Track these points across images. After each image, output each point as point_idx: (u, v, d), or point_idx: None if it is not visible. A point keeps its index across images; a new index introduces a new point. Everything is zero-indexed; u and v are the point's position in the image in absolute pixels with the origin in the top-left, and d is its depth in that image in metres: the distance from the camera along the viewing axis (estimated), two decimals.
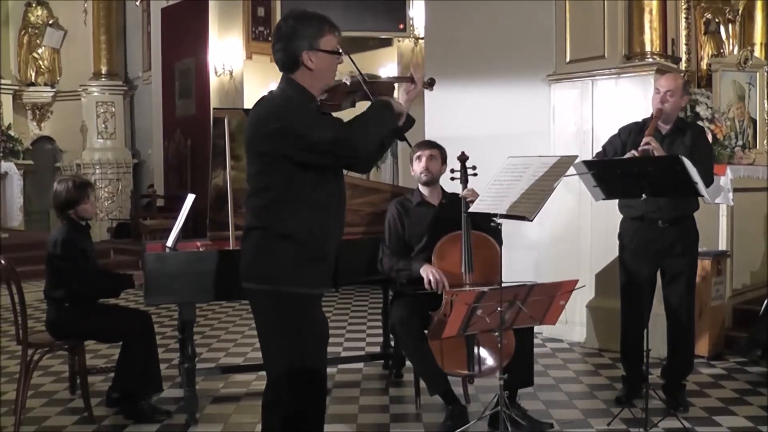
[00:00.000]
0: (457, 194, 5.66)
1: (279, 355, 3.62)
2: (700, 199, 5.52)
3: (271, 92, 3.69)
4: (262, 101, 3.65)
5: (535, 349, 5.65)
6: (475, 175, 5.50)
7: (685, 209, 5.66)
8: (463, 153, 5.59)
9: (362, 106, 3.82)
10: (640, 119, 5.84)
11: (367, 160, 3.64)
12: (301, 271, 3.55)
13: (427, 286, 5.32)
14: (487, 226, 5.45)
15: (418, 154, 5.66)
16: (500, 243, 5.22)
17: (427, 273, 5.33)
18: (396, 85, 4.07)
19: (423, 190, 5.74)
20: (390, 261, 5.63)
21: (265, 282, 3.58)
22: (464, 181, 5.53)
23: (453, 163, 5.62)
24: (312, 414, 3.66)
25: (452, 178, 5.58)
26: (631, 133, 5.75)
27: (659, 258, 5.59)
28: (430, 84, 3.99)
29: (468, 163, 5.57)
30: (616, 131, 5.89)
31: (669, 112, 5.61)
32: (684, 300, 5.69)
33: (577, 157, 4.89)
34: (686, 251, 5.69)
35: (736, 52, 8.88)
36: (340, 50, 3.64)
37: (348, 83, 3.75)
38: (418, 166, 5.67)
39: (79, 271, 5.55)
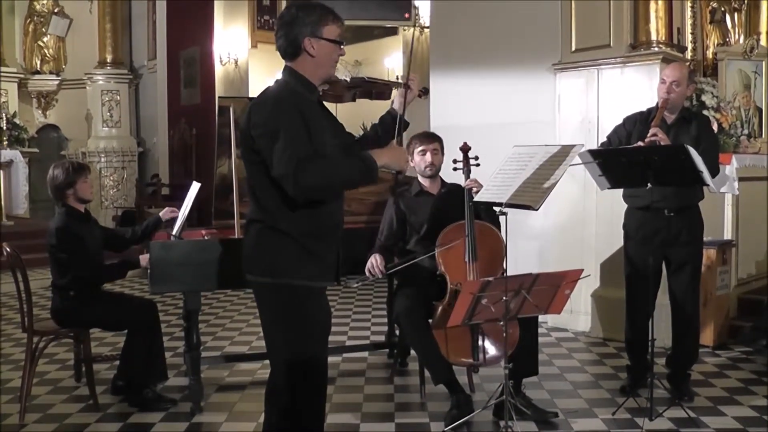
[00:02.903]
0: (457, 184, 5.66)
1: (277, 346, 3.64)
2: (705, 188, 5.52)
3: (272, 85, 3.68)
4: (263, 95, 3.65)
5: (540, 339, 5.65)
6: (478, 165, 5.51)
7: (691, 198, 5.64)
8: (465, 144, 5.59)
9: (361, 102, 3.86)
10: (645, 108, 5.83)
11: (302, 196, 3.49)
12: (299, 265, 3.54)
13: (366, 272, 5.54)
14: (487, 215, 5.48)
15: (421, 148, 5.66)
16: (500, 231, 5.31)
17: (369, 261, 5.54)
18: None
19: (423, 181, 5.76)
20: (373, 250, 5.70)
21: (264, 274, 3.59)
22: (467, 171, 5.54)
23: (456, 153, 5.62)
24: (310, 405, 3.65)
25: (455, 169, 5.57)
26: (636, 122, 5.74)
27: (665, 247, 5.58)
28: (425, 92, 4.04)
29: (471, 153, 5.57)
30: (621, 120, 5.87)
31: (675, 101, 5.59)
32: (689, 289, 5.69)
33: (582, 146, 4.89)
34: (692, 240, 5.67)
35: (741, 41, 8.87)
36: (342, 41, 3.64)
37: (348, 80, 3.80)
38: (422, 161, 5.67)
39: (76, 259, 5.55)
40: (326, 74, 3.67)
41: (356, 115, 10.53)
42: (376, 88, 3.91)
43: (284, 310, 3.58)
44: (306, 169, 3.36)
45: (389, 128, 3.90)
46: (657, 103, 5.64)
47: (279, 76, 3.76)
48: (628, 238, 5.85)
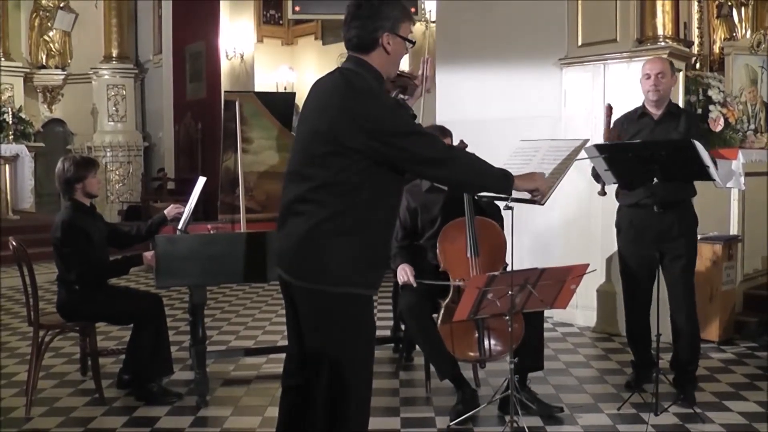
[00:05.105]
0: None
1: (324, 350, 3.49)
2: (709, 183, 5.45)
3: (345, 73, 3.49)
4: (353, 85, 3.41)
5: (545, 334, 5.64)
6: None
7: (680, 194, 5.52)
8: (462, 141, 5.59)
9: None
10: (632, 108, 5.80)
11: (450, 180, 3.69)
12: (362, 273, 3.43)
13: (399, 281, 5.55)
14: (491, 211, 5.48)
15: None
16: (502, 227, 5.37)
17: (399, 273, 5.53)
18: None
19: None
20: (394, 256, 5.65)
21: (322, 282, 3.40)
22: None
23: None
24: (362, 410, 3.62)
25: None
26: (623, 123, 5.71)
27: (657, 243, 5.48)
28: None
29: (473, 149, 5.53)
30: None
31: (663, 94, 5.57)
32: (681, 284, 5.55)
33: (588, 140, 4.87)
34: (682, 235, 5.53)
35: (748, 35, 8.84)
36: (414, 41, 3.59)
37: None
38: None
39: (81, 253, 5.56)
40: (393, 72, 3.61)
41: None
42: (410, 85, 3.90)
43: (346, 318, 3.46)
44: (459, 156, 3.52)
45: None
46: (643, 103, 5.64)
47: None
48: (619, 235, 5.83)
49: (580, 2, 7.88)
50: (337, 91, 3.43)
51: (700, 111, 7.72)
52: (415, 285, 5.42)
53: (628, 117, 5.75)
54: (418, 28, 14.89)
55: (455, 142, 5.65)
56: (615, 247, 7.37)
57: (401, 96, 3.87)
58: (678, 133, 5.48)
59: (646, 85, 5.61)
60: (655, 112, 5.62)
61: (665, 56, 7.22)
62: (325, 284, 3.40)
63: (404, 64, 3.96)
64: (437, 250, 5.42)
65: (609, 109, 5.54)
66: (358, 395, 3.56)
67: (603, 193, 5.59)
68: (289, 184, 3.54)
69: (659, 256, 5.62)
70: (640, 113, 5.66)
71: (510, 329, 4.70)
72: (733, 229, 7.67)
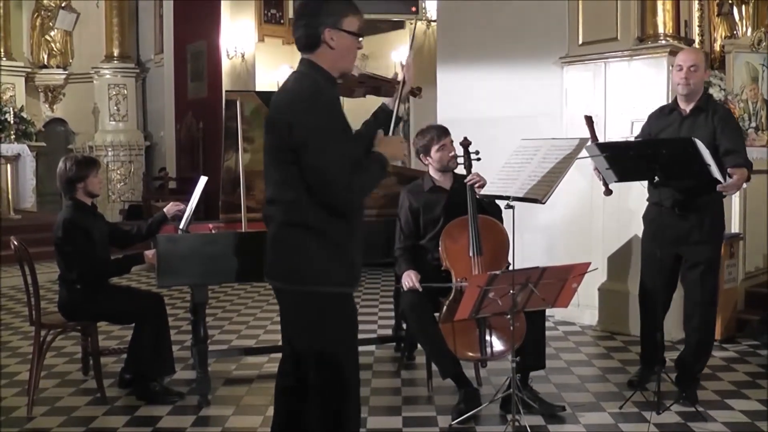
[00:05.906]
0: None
1: (312, 351, 3.54)
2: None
3: (293, 77, 3.58)
4: (293, 89, 3.51)
5: (547, 332, 5.65)
6: (479, 159, 5.48)
7: (702, 198, 5.35)
8: (465, 138, 5.56)
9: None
10: (656, 102, 5.77)
11: (345, 205, 3.52)
12: (333, 271, 3.46)
13: (404, 287, 5.47)
14: (492, 210, 5.47)
15: (441, 143, 5.56)
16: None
17: (404, 280, 5.47)
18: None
19: (437, 175, 5.67)
20: (398, 258, 5.67)
21: (296, 282, 3.48)
22: (468, 166, 5.50)
23: (456, 148, 5.59)
24: (350, 406, 3.60)
25: (457, 164, 5.56)
26: (655, 119, 5.68)
27: (675, 245, 5.46)
28: (418, 90, 4.04)
29: (475, 147, 5.54)
30: (628, 113, 5.83)
31: (693, 88, 5.42)
32: (698, 291, 5.47)
33: (589, 139, 4.87)
34: (703, 241, 5.43)
35: (749, 33, 8.83)
36: (362, 34, 3.59)
37: (356, 75, 3.77)
38: (445, 155, 5.55)
39: (83, 252, 5.57)
40: (345, 68, 3.61)
41: (361, 107, 10.52)
42: (385, 86, 3.91)
43: (317, 316, 3.49)
44: (355, 177, 3.40)
45: (383, 124, 3.86)
46: (675, 98, 5.58)
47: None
48: (643, 230, 5.81)
49: (580, 1, 7.88)
50: (287, 93, 3.52)
51: None
52: (421, 290, 5.38)
53: (661, 111, 5.69)
54: (419, 27, 14.90)
55: (457, 142, 5.64)
56: (616, 246, 7.42)
57: (384, 99, 3.88)
58: (707, 130, 5.33)
59: (677, 77, 5.46)
60: (685, 107, 5.50)
61: (664, 53, 7.24)
62: (301, 284, 3.48)
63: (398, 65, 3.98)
64: (439, 249, 5.41)
65: (589, 120, 5.50)
66: (346, 391, 3.57)
67: (608, 192, 5.57)
68: (265, 186, 3.63)
69: (682, 259, 5.57)
70: (670, 108, 5.59)
71: (512, 328, 4.69)
72: (735, 227, 7.67)
